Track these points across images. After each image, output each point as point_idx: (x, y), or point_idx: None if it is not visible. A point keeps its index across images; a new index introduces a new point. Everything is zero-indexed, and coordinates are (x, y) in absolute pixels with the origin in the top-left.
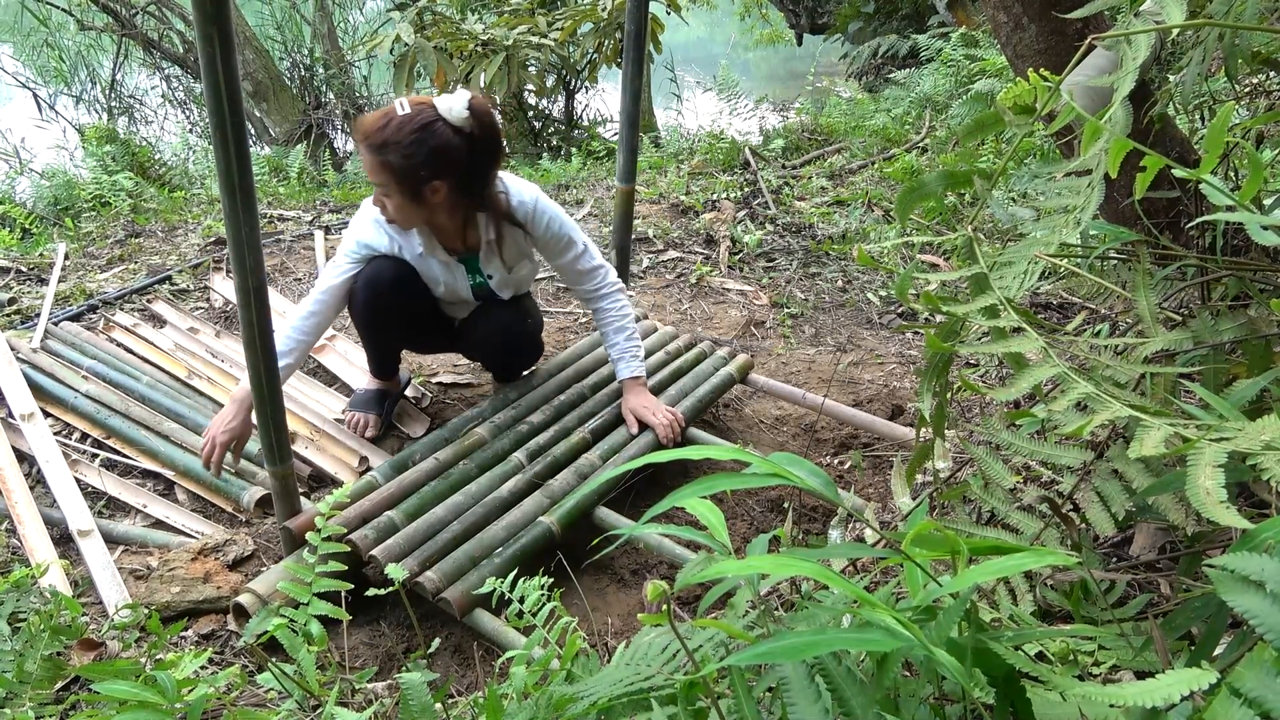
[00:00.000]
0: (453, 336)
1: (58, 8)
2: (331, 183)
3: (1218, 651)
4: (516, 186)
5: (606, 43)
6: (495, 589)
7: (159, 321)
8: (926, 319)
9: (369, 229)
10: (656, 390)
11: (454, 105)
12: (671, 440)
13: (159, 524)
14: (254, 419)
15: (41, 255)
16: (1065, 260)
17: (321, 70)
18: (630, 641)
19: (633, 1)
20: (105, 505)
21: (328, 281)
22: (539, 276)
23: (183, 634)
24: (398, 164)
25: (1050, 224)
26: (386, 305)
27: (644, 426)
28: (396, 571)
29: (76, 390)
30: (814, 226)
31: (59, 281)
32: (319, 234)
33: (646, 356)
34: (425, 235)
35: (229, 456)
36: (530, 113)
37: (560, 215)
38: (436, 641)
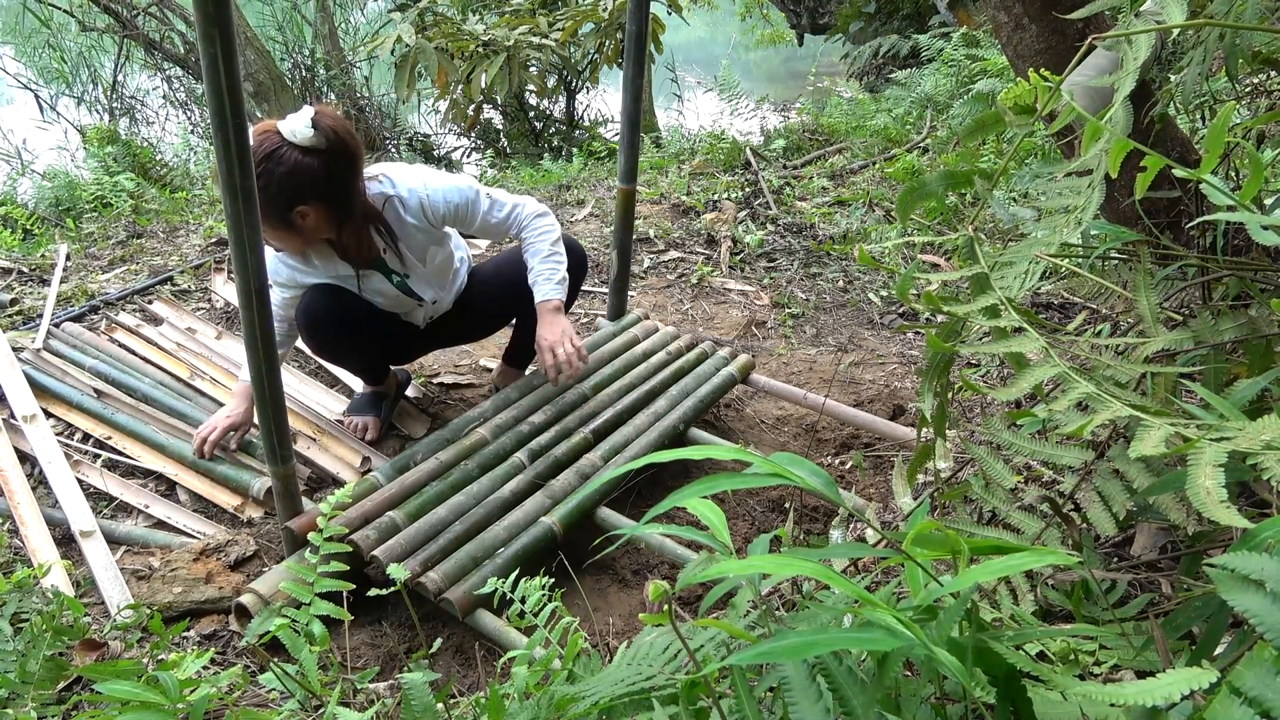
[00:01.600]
0: (428, 339)
1: (59, 9)
2: None
3: (1218, 651)
4: (401, 178)
5: (607, 43)
6: (497, 589)
7: (158, 322)
8: (928, 319)
9: (271, 258)
10: (657, 390)
11: (297, 126)
12: (555, 381)
13: (161, 524)
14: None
15: (43, 256)
16: (1066, 260)
17: (323, 71)
18: (632, 641)
19: (634, 2)
20: (107, 506)
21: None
22: None
23: (185, 634)
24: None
25: (1051, 224)
26: (332, 334)
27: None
28: (398, 572)
29: (81, 389)
30: (815, 226)
31: (61, 282)
32: None
33: (647, 357)
34: (323, 256)
35: (229, 439)
36: (531, 113)
37: (451, 187)
38: (438, 642)
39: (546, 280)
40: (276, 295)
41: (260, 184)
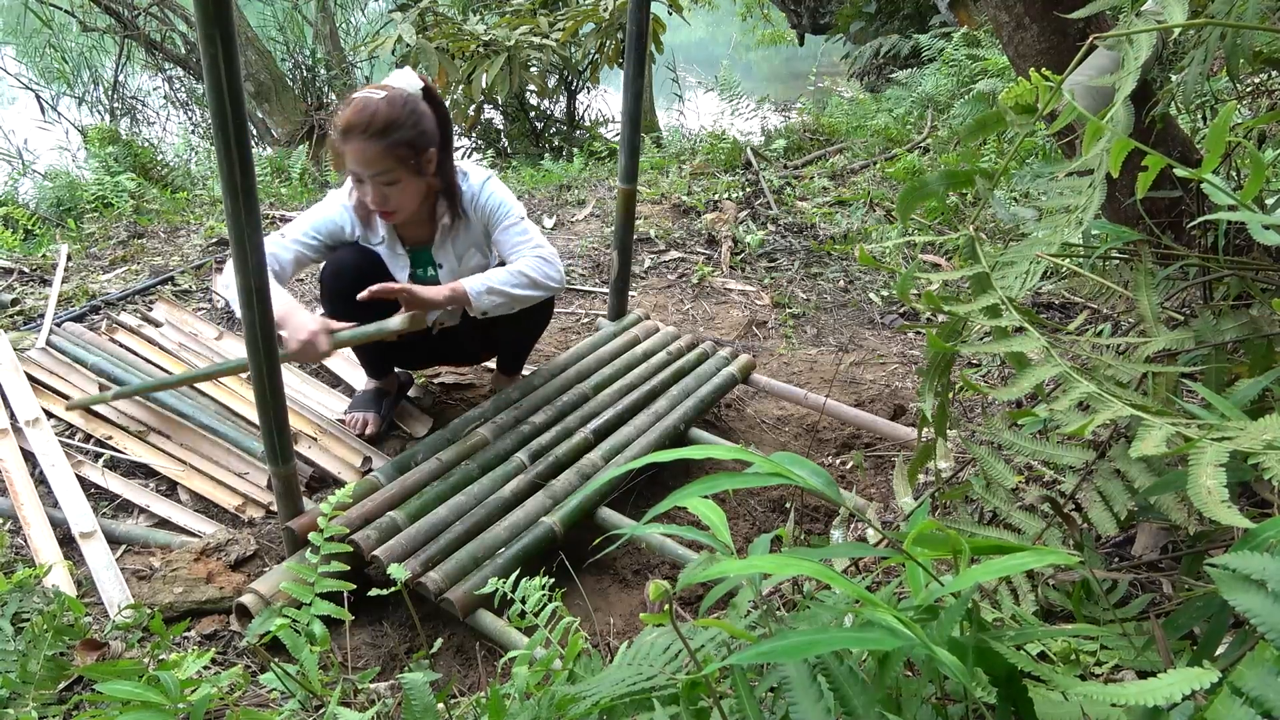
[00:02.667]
0: (435, 345)
1: (60, 9)
2: (333, 183)
3: (1220, 651)
4: (472, 174)
5: (608, 43)
6: (497, 589)
7: (158, 324)
8: (928, 319)
9: (334, 212)
10: (657, 390)
11: (409, 80)
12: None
13: (161, 524)
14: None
15: (44, 256)
16: (1067, 260)
17: (324, 71)
18: (632, 641)
19: (634, 2)
20: (108, 505)
21: (273, 248)
22: None
23: (185, 634)
24: (408, 140)
25: (1052, 224)
26: (353, 288)
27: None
28: (399, 572)
29: (89, 377)
30: (816, 226)
31: (62, 282)
32: None
33: (648, 357)
34: (389, 227)
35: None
36: (532, 113)
37: (501, 197)
38: (439, 642)
39: (484, 278)
40: (296, 245)
41: (411, 126)
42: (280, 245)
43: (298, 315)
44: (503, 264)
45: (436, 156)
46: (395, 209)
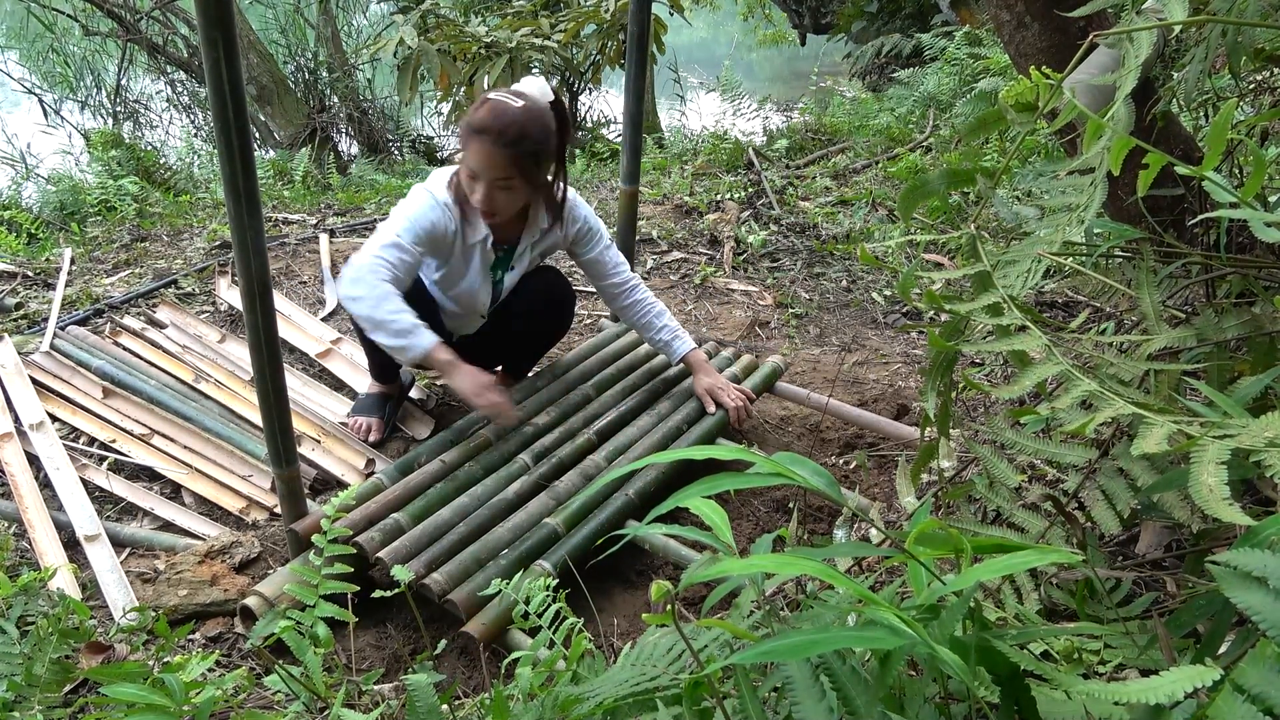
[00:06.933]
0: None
1: (63, 13)
2: (336, 186)
3: (1222, 649)
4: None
5: (610, 44)
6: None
7: (162, 326)
8: (931, 318)
9: (433, 211)
10: (660, 391)
11: (543, 88)
12: (740, 423)
13: (166, 526)
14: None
15: (48, 260)
16: (1069, 258)
17: (326, 74)
18: (635, 642)
19: (635, 3)
20: (113, 508)
21: (390, 257)
22: None
23: (190, 636)
24: (532, 152)
25: (1054, 222)
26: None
27: (718, 405)
28: (402, 573)
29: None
30: (818, 226)
31: (65, 286)
32: (324, 237)
33: (650, 358)
34: (489, 226)
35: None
36: None
37: (590, 209)
38: (443, 643)
39: (682, 336)
40: (396, 255)
41: (540, 138)
42: (396, 255)
43: (473, 372)
44: (592, 275)
45: (553, 166)
46: (498, 212)
